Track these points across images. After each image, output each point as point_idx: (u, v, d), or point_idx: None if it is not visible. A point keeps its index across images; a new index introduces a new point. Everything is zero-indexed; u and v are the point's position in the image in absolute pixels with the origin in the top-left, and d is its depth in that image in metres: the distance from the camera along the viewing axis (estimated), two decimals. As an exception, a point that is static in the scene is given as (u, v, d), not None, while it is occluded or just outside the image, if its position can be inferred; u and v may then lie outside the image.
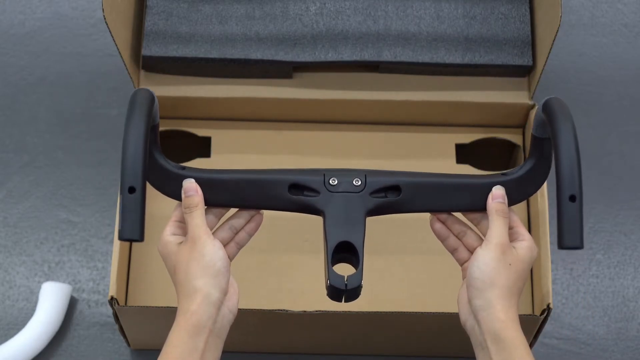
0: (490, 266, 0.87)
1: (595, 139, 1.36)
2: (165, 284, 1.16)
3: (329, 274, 0.88)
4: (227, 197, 0.90)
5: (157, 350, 1.22)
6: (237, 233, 0.92)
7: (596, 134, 1.37)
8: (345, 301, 0.90)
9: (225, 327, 0.87)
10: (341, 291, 0.88)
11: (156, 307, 1.08)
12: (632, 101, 1.39)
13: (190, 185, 0.89)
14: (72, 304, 1.24)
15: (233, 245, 0.92)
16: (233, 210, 0.93)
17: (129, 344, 1.21)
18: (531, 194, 0.94)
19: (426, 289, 1.16)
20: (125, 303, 1.15)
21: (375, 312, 1.06)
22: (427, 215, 0.95)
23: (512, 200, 0.91)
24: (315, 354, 1.21)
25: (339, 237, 0.88)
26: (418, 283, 1.16)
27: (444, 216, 0.94)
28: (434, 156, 1.23)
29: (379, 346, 1.20)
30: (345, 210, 0.89)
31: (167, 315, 1.06)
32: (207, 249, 0.86)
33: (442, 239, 0.95)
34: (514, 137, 1.24)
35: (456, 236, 0.93)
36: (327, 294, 0.90)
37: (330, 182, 0.90)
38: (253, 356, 1.21)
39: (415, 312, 1.07)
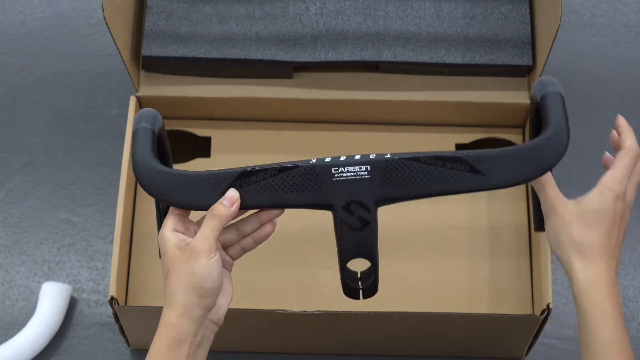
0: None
1: (595, 139, 1.36)
2: (165, 284, 1.16)
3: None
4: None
5: (157, 350, 1.22)
6: (244, 237, 0.90)
7: (596, 134, 1.36)
8: (363, 298, 0.89)
9: (208, 337, 0.85)
10: (357, 292, 0.88)
11: (156, 307, 1.08)
12: (632, 101, 1.39)
13: (232, 195, 0.86)
14: (72, 304, 1.24)
15: (238, 248, 0.90)
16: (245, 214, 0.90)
17: (129, 344, 1.21)
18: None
19: (426, 289, 1.16)
20: (125, 303, 1.15)
21: (375, 312, 1.06)
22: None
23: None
24: (316, 354, 1.21)
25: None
26: (419, 283, 1.16)
27: None
28: (434, 156, 1.23)
29: (379, 346, 1.20)
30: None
31: (167, 315, 1.06)
32: (200, 268, 0.82)
33: None
34: (514, 137, 1.24)
35: None
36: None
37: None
38: (253, 356, 1.21)
39: (416, 312, 1.07)
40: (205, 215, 0.86)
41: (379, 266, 0.88)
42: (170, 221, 0.86)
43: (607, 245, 0.87)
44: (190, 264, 0.83)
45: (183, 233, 0.86)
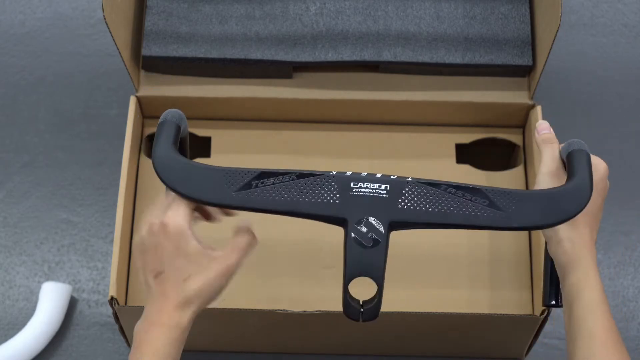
0: None
1: (595, 139, 1.36)
2: (165, 284, 1.16)
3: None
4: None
5: (157, 350, 1.22)
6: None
7: (596, 134, 1.37)
8: (362, 320, 0.88)
9: None
10: (357, 313, 0.88)
11: (156, 307, 1.08)
12: (632, 101, 1.39)
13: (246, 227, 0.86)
14: (72, 304, 1.24)
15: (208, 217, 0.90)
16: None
17: (129, 344, 1.21)
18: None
19: (427, 289, 1.16)
20: (125, 303, 1.15)
21: (375, 312, 1.06)
22: None
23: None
24: (316, 354, 1.21)
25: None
26: (419, 283, 1.16)
27: None
28: (434, 156, 1.23)
29: (379, 346, 1.20)
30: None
31: (167, 315, 1.06)
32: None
33: None
34: (514, 137, 1.24)
35: None
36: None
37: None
38: (253, 356, 1.21)
39: (416, 312, 1.07)
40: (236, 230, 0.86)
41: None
42: (186, 211, 0.85)
43: (590, 210, 0.89)
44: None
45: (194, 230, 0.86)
